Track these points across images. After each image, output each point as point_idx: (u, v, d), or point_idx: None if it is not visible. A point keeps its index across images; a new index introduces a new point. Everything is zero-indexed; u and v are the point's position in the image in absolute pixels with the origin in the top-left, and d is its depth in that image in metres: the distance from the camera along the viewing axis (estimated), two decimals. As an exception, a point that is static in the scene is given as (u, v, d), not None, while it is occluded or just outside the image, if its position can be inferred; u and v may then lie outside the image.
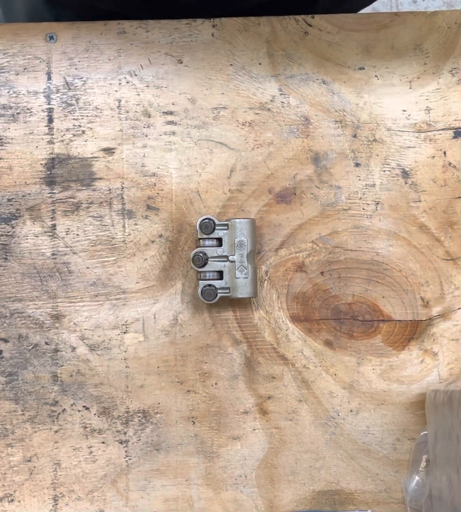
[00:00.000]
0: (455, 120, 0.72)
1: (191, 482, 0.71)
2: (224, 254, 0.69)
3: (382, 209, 0.72)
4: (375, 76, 0.72)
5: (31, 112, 0.72)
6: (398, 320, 0.72)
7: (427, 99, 0.72)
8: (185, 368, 0.71)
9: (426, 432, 0.69)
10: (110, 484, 0.71)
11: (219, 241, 0.69)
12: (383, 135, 0.72)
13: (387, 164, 0.72)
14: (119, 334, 0.71)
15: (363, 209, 0.72)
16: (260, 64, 0.72)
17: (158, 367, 0.71)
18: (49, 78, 0.72)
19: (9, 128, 0.72)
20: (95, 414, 0.71)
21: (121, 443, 0.71)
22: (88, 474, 0.71)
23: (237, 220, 0.69)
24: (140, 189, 0.72)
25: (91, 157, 0.72)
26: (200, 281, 0.69)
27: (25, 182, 0.71)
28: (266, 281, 0.72)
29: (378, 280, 0.72)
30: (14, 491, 0.71)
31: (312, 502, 0.71)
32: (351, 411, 0.71)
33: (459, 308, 0.72)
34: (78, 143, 0.72)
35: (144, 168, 0.72)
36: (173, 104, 0.72)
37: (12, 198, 0.71)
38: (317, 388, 0.71)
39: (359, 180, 0.72)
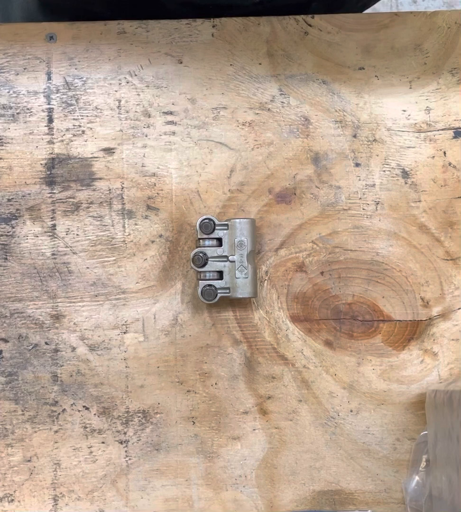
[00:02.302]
0: (455, 120, 0.72)
1: (191, 482, 0.71)
2: (224, 254, 0.69)
3: (382, 209, 0.72)
4: (375, 76, 0.72)
5: (31, 112, 0.72)
6: (398, 320, 0.72)
7: (427, 99, 0.72)
8: (185, 368, 0.71)
9: (426, 432, 0.69)
10: (110, 484, 0.71)
11: (219, 241, 0.69)
12: (383, 135, 0.72)
13: (387, 164, 0.72)
14: (119, 334, 0.71)
15: (363, 209, 0.72)
16: (260, 64, 0.72)
17: (158, 367, 0.71)
18: (49, 78, 0.72)
19: (9, 128, 0.72)
20: (95, 414, 0.71)
21: (121, 443, 0.71)
22: (88, 474, 0.71)
23: (237, 220, 0.69)
24: (140, 189, 0.72)
25: (91, 157, 0.72)
26: (200, 281, 0.69)
27: (25, 182, 0.71)
28: (266, 281, 0.72)
29: (378, 280, 0.72)
30: (14, 491, 0.71)
31: (312, 502, 0.71)
32: (351, 411, 0.71)
33: (459, 308, 0.72)
34: (78, 143, 0.72)
35: (144, 168, 0.72)
36: (173, 104, 0.72)
37: (12, 198, 0.71)
38: (317, 388, 0.71)
39: (359, 180, 0.72)
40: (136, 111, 0.72)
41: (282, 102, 0.72)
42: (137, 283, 0.71)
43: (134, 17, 0.72)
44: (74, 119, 0.72)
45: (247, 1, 0.72)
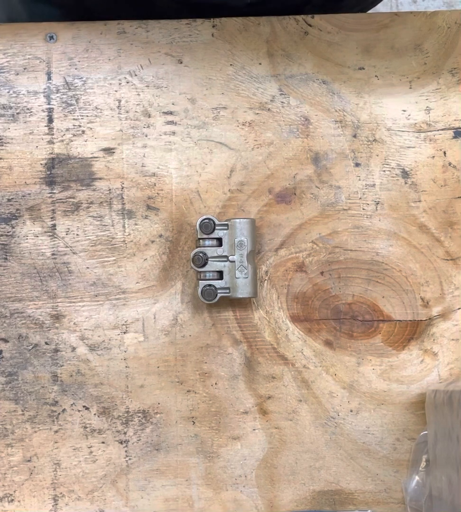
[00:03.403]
0: (455, 120, 0.72)
1: (191, 482, 0.71)
2: (224, 254, 0.69)
3: (382, 209, 0.72)
4: (375, 76, 0.72)
5: (31, 112, 0.72)
6: (398, 320, 0.72)
7: (427, 99, 0.72)
8: (185, 368, 0.71)
9: (426, 432, 0.69)
10: (110, 484, 0.71)
11: (219, 241, 0.69)
12: (383, 135, 0.72)
13: (387, 164, 0.72)
14: (119, 334, 0.71)
15: (363, 209, 0.72)
16: (260, 64, 0.72)
17: (158, 367, 0.71)
18: (49, 78, 0.72)
19: (9, 128, 0.72)
20: (95, 414, 0.71)
21: (121, 443, 0.71)
22: (88, 474, 0.71)
23: (237, 220, 0.69)
24: (140, 189, 0.72)
25: (91, 157, 0.72)
26: (200, 281, 0.69)
27: (25, 182, 0.71)
28: (266, 281, 0.72)
29: (378, 280, 0.72)
30: (14, 491, 0.71)
31: (312, 502, 0.71)
32: (351, 411, 0.71)
33: (459, 308, 0.72)
34: (78, 143, 0.72)
35: (144, 168, 0.72)
36: (173, 104, 0.72)
37: (12, 198, 0.71)
38: (317, 388, 0.71)
39: (359, 180, 0.72)
40: (136, 111, 0.72)
41: (282, 102, 0.72)
42: (137, 283, 0.71)
43: (126, 11, 0.72)
44: (74, 119, 0.72)
45: (239, 2, 0.72)
